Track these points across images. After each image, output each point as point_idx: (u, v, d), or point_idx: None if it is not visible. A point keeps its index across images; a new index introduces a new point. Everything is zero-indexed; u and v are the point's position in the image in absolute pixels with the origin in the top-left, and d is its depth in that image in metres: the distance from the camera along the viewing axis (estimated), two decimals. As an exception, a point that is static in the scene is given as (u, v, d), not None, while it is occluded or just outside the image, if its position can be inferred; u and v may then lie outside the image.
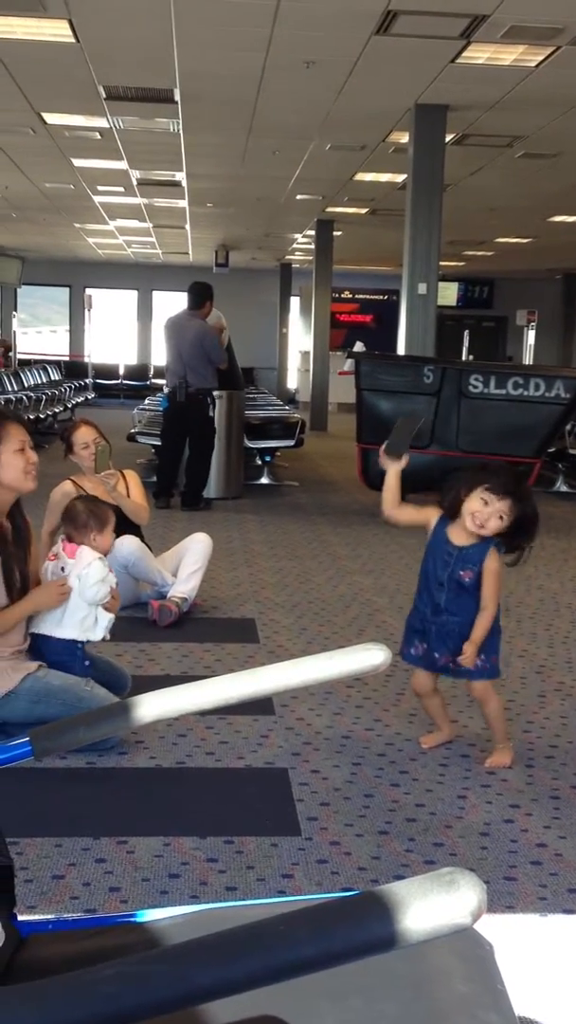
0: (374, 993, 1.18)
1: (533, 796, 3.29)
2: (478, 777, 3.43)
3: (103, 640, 3.73)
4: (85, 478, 5.40)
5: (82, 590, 3.59)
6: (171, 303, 25.14)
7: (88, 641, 3.68)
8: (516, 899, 2.65)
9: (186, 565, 5.32)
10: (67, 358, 24.71)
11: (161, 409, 9.71)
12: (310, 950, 0.79)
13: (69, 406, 17.47)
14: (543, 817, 3.14)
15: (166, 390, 9.44)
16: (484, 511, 3.39)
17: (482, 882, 0.80)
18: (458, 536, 3.49)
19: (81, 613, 3.61)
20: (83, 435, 5.31)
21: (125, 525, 5.34)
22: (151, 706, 1.27)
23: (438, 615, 3.52)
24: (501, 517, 3.39)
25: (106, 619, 3.68)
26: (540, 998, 2.20)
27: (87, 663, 3.69)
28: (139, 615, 5.22)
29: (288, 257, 22.54)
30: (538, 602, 6.00)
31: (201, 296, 9.15)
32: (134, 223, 17.76)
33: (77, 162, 12.36)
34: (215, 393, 9.11)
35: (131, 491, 5.42)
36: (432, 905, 0.78)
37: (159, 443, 10.26)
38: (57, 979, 0.80)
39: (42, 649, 3.61)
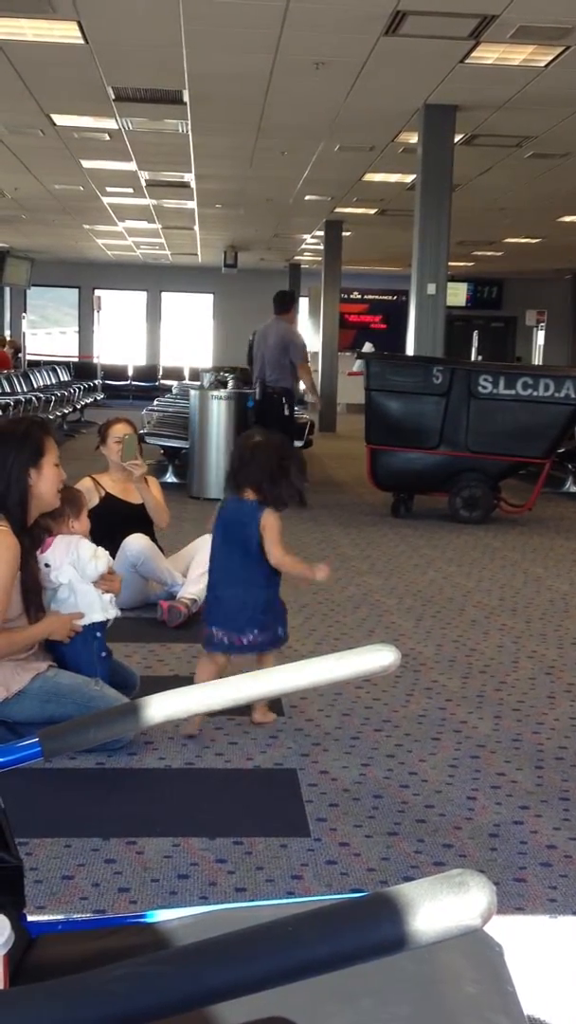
0: (384, 994, 1.18)
1: (543, 797, 3.29)
2: (488, 778, 3.43)
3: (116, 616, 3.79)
4: (106, 475, 5.46)
5: (82, 572, 3.61)
6: (180, 304, 25.26)
7: (108, 622, 3.72)
8: (526, 901, 2.65)
9: (196, 566, 5.30)
10: (76, 359, 24.75)
11: (249, 407, 9.97)
12: (320, 951, 0.79)
13: (78, 407, 17.48)
14: (553, 819, 3.13)
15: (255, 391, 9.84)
16: None
17: (492, 884, 0.79)
18: None
19: (92, 595, 3.65)
20: (118, 430, 5.45)
21: (137, 524, 5.36)
22: (160, 707, 1.27)
23: None
24: None
25: (110, 596, 3.73)
26: (550, 1000, 2.20)
27: (104, 654, 3.70)
28: (149, 615, 5.23)
29: (297, 258, 22.53)
30: (548, 603, 5.99)
31: (285, 301, 9.71)
32: (143, 224, 17.79)
33: (86, 163, 12.38)
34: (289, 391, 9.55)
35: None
36: (442, 907, 0.78)
37: (168, 444, 10.37)
38: (67, 980, 0.80)
39: (61, 648, 3.63)
